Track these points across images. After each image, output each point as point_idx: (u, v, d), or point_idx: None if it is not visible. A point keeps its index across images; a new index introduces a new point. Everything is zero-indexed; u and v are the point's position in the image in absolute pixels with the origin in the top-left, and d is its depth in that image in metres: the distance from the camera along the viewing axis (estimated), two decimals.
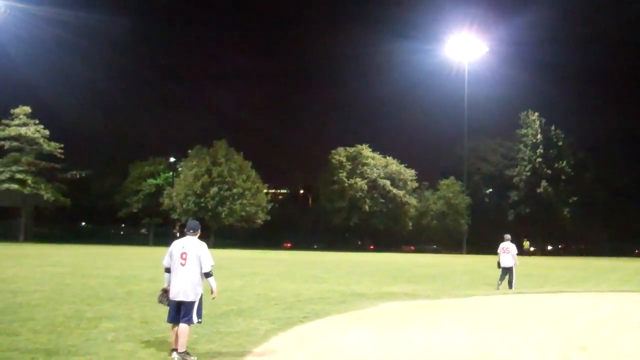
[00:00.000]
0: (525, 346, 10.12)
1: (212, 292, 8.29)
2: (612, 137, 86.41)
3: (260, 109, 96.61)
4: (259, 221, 71.16)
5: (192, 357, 7.92)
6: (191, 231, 8.39)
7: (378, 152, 76.66)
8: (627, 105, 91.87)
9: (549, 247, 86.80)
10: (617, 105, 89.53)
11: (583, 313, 14.71)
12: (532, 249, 72.18)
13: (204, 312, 8.46)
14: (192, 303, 8.03)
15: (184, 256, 8.12)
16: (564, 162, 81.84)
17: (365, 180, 73.23)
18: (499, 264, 20.55)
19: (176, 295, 8.07)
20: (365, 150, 75.71)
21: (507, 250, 20.34)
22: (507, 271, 20.27)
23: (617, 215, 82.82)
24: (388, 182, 74.12)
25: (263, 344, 9.57)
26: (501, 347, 9.99)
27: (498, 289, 19.87)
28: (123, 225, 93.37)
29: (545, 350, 9.80)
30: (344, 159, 74.83)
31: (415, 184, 78.15)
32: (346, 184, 72.70)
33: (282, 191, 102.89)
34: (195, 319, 8.04)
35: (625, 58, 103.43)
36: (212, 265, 8.20)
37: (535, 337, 11.01)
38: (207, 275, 8.14)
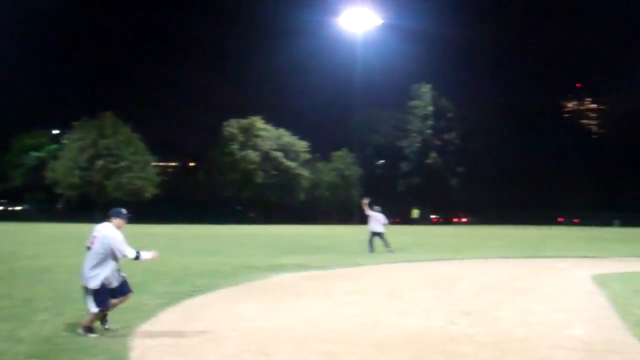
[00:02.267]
0: (413, 312, 10.34)
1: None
2: (497, 109, 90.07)
3: (148, 79, 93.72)
4: (148, 195, 69.56)
5: (92, 335, 7.78)
6: (109, 217, 8.26)
7: (271, 124, 76.25)
8: (511, 80, 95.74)
9: (438, 216, 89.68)
10: (502, 79, 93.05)
11: (468, 279, 15.22)
12: (432, 217, 74.52)
13: None
14: (90, 291, 7.81)
15: (93, 241, 7.96)
16: (453, 134, 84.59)
17: (258, 153, 72.77)
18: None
19: (80, 278, 7.99)
20: (258, 122, 75.09)
21: (378, 219, 23.05)
22: (377, 235, 22.95)
23: (503, 185, 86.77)
24: (281, 154, 73.97)
25: (151, 319, 9.35)
26: (390, 314, 10.16)
27: (372, 251, 22.51)
28: (4, 200, 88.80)
29: (432, 315, 10.04)
30: (236, 131, 73.96)
31: (308, 156, 78.35)
32: (238, 156, 72.01)
33: (172, 164, 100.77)
34: (92, 307, 7.82)
35: (516, 34, 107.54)
36: (124, 255, 8.02)
37: (422, 303, 11.26)
38: (136, 258, 8.11)
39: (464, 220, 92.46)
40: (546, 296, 12.52)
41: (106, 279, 7.86)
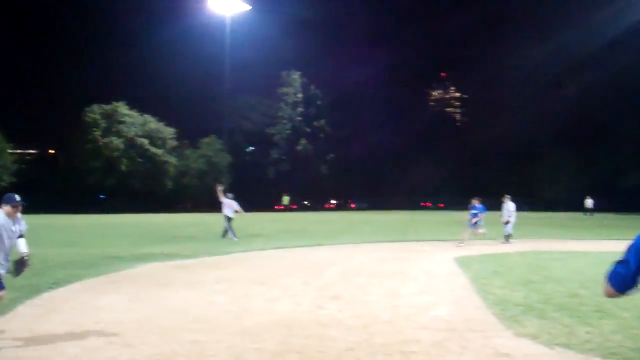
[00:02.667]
0: (282, 299, 10.36)
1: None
2: (366, 97, 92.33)
3: (3, 64, 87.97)
4: (4, 183, 65.63)
5: None
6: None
7: (136, 110, 73.87)
8: (379, 69, 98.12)
9: (309, 203, 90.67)
10: (371, 68, 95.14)
11: (338, 264, 15.46)
12: (303, 204, 75.17)
13: None
14: None
15: None
16: (323, 121, 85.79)
17: (122, 139, 70.38)
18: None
19: None
20: (122, 108, 72.38)
21: (230, 205, 23.50)
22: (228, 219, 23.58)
23: (372, 171, 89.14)
24: (146, 141, 71.86)
25: (8, 313, 8.86)
26: (258, 301, 10.14)
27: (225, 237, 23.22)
28: None
29: (301, 301, 10.10)
30: (98, 117, 71.04)
31: (175, 143, 76.72)
32: (101, 143, 69.31)
33: (30, 151, 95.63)
34: None
35: (385, 23, 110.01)
36: None
37: (291, 289, 11.31)
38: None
39: (352, 206, 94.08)
40: (412, 279, 12.95)
41: None
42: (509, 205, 23.25)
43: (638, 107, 72.14)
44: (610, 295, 3.45)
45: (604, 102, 74.57)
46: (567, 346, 7.00)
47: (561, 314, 8.75)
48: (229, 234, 23.28)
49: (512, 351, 6.85)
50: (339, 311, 9.24)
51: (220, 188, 24.56)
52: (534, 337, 7.46)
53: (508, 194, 23.95)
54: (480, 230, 21.76)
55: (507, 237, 22.74)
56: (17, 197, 7.56)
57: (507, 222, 23.00)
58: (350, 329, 8.00)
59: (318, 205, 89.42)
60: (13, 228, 7.48)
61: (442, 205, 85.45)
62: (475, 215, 21.63)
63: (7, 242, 7.37)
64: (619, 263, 3.37)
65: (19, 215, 7.59)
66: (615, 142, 75.65)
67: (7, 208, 7.43)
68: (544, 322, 8.23)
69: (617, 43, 70.02)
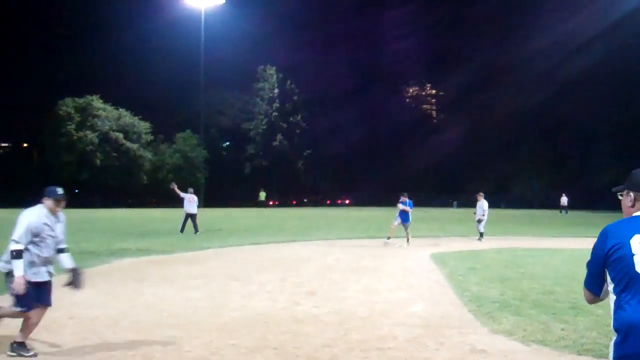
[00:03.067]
0: (258, 295, 10.35)
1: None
2: (343, 93, 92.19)
3: None
4: None
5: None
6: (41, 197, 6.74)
7: (110, 104, 73.14)
8: (356, 63, 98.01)
9: (285, 199, 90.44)
10: (347, 63, 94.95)
11: (314, 260, 15.48)
12: (271, 201, 74.81)
13: None
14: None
15: None
16: (299, 116, 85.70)
17: (96, 133, 69.70)
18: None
19: None
20: (96, 102, 71.64)
21: (192, 200, 24.33)
22: (191, 216, 24.11)
23: (349, 167, 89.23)
24: (121, 135, 71.24)
25: None
26: (234, 297, 10.11)
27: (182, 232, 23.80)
28: None
29: (277, 297, 10.08)
30: (72, 111, 70.23)
31: (151, 137, 76.17)
32: (75, 137, 68.59)
33: (3, 145, 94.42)
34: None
35: (359, 18, 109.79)
36: (13, 242, 6.51)
37: (268, 285, 11.29)
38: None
39: (309, 200, 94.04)
40: (389, 275, 12.99)
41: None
42: (483, 204, 23.28)
43: (613, 105, 73.07)
44: (591, 301, 3.46)
45: (579, 99, 75.25)
46: (543, 343, 7.06)
47: (537, 311, 8.82)
48: (192, 228, 23.89)
49: (488, 348, 6.89)
50: (316, 307, 9.24)
51: (174, 186, 24.94)
52: (510, 333, 7.51)
53: (482, 192, 23.99)
54: (395, 223, 20.84)
55: (481, 235, 22.77)
56: (60, 190, 6.72)
57: (479, 220, 23.04)
58: (326, 325, 8.00)
59: (295, 200, 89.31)
60: (56, 227, 6.70)
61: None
62: (403, 213, 20.81)
63: (50, 242, 6.65)
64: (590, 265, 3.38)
65: (60, 211, 6.81)
66: (591, 139, 76.54)
67: (49, 202, 6.60)
68: (519, 319, 8.29)
69: (593, 41, 70.68)
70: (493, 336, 7.44)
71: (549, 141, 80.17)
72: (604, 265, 3.21)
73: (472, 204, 24.15)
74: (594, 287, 3.32)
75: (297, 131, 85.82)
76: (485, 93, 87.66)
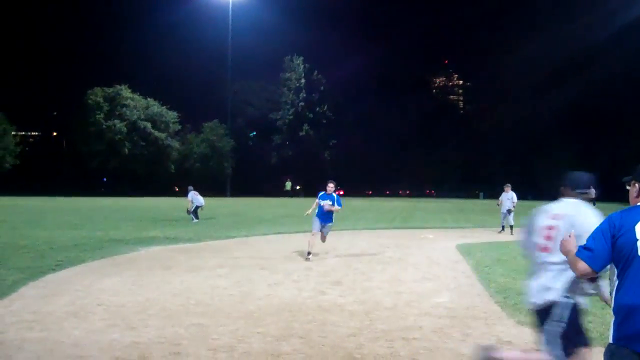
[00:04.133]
0: (284, 284, 10.39)
1: None
2: (368, 83, 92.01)
3: (6, 46, 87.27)
4: (7, 166, 65.75)
5: None
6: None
7: (138, 93, 73.70)
8: (382, 54, 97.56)
9: (312, 189, 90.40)
10: (373, 54, 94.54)
11: (339, 250, 15.51)
12: (297, 188, 74.83)
13: None
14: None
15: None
16: (325, 107, 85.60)
17: (125, 123, 70.28)
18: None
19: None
20: (125, 91, 72.25)
21: (197, 194, 25.05)
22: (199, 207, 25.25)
23: (372, 159, 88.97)
24: (149, 125, 71.80)
25: (11, 294, 8.88)
26: (260, 285, 10.15)
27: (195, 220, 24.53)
28: None
29: (303, 286, 10.12)
30: (101, 100, 70.89)
31: (178, 127, 76.64)
32: (104, 126, 69.25)
33: (33, 133, 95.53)
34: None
35: (387, 8, 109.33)
36: None
37: (293, 274, 11.34)
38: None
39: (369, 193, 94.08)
40: (414, 265, 12.97)
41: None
42: (512, 195, 22.73)
43: None
44: (585, 275, 3.46)
45: (609, 93, 74.22)
46: None
47: None
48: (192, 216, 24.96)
49: (514, 339, 6.87)
50: (341, 297, 9.27)
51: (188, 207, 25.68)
52: None
53: (509, 184, 23.52)
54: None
55: (511, 228, 22.22)
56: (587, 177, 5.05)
57: (509, 211, 22.48)
58: (352, 314, 8.03)
59: (381, 192, 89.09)
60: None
61: (432, 193, 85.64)
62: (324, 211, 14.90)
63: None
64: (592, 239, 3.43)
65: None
66: (619, 131, 75.48)
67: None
68: None
69: (623, 34, 69.66)
70: (519, 328, 7.40)
71: (579, 134, 79.15)
72: (612, 246, 3.30)
73: (498, 195, 23.80)
74: (594, 263, 3.35)
75: (324, 121, 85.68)
76: (514, 85, 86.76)
